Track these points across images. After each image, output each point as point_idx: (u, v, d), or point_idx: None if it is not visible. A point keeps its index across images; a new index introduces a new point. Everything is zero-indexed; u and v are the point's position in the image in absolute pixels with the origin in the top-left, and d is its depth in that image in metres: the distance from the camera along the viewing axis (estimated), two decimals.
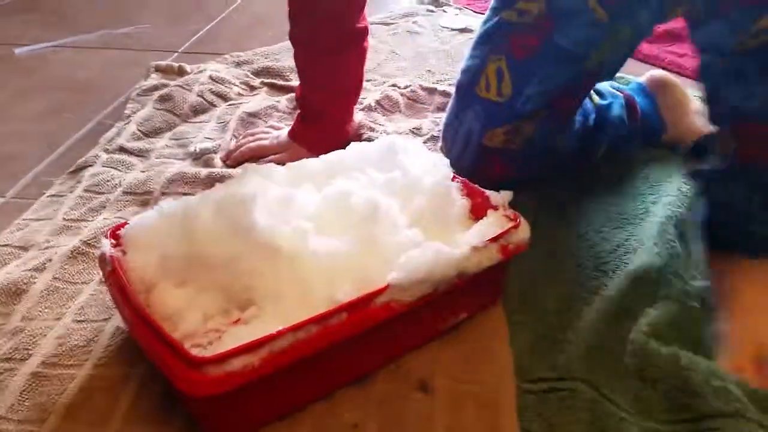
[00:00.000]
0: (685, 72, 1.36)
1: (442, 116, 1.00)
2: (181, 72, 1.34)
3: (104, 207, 0.93)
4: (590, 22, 0.83)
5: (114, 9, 1.82)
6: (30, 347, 0.70)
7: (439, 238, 0.68)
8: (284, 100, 1.23)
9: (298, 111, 1.06)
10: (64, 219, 0.91)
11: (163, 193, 0.95)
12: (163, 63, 1.37)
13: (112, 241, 0.69)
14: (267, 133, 1.09)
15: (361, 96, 1.13)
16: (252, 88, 1.31)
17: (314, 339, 0.58)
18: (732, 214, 0.80)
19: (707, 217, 0.83)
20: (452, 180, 0.79)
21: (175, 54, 1.51)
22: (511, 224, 0.71)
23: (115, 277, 0.64)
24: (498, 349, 0.71)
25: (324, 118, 1.03)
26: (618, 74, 1.18)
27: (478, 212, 0.76)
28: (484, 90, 0.90)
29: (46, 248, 0.85)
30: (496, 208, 0.74)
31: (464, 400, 0.65)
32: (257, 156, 1.04)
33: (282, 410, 0.63)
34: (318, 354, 0.59)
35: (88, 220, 0.90)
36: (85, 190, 0.97)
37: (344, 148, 0.84)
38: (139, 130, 1.13)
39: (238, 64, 1.40)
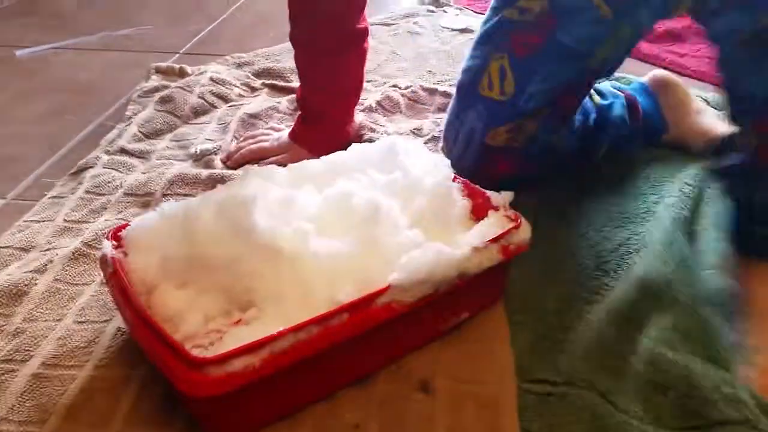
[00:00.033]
0: (686, 72, 1.36)
1: (443, 117, 1.00)
2: (182, 73, 1.34)
3: (105, 208, 0.93)
4: (594, 19, 0.83)
5: (114, 10, 1.82)
6: (31, 348, 0.70)
7: (440, 239, 0.68)
8: (285, 102, 1.23)
9: (299, 112, 1.06)
10: (65, 220, 0.91)
11: (164, 195, 0.95)
12: (163, 64, 1.37)
13: (114, 242, 0.69)
14: (267, 134, 1.09)
15: (361, 97, 1.13)
16: (253, 89, 1.31)
17: (315, 340, 0.58)
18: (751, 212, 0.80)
19: (733, 217, 0.82)
20: (453, 181, 0.79)
21: (176, 55, 1.51)
22: (511, 225, 0.71)
23: (116, 278, 0.64)
24: (499, 349, 0.71)
25: (324, 119, 1.03)
26: (620, 74, 1.19)
27: (479, 213, 0.77)
28: (486, 89, 0.90)
29: (47, 250, 0.85)
30: (496, 208, 0.74)
31: (465, 401, 0.65)
32: (258, 158, 1.04)
33: (283, 411, 0.63)
34: (319, 355, 0.59)
35: (89, 222, 0.90)
36: (86, 192, 0.97)
37: (345, 149, 0.84)
38: (140, 132, 1.13)
39: (239, 66, 1.40)
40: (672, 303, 0.75)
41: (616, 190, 0.97)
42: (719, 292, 0.77)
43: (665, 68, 1.27)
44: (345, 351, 0.62)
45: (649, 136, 1.05)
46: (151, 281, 0.67)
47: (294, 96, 1.21)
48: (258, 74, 1.36)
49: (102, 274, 0.73)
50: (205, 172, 1.00)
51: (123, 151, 1.07)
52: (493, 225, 0.72)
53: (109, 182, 0.98)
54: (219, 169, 1.02)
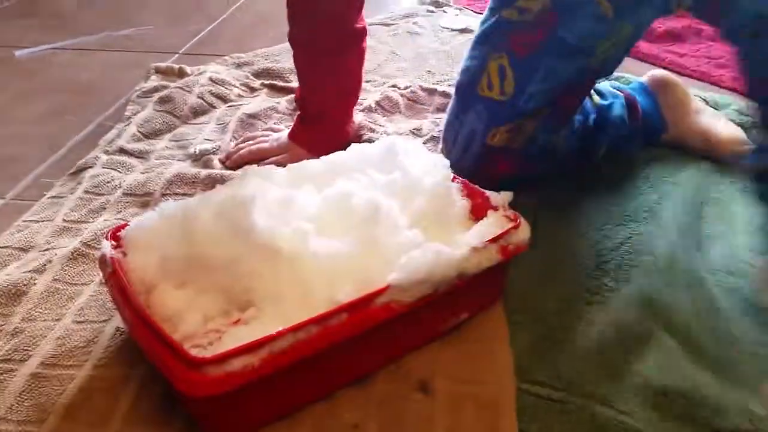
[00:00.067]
0: (685, 72, 1.36)
1: (442, 117, 1.00)
2: (182, 74, 1.34)
3: (104, 208, 0.93)
4: (595, 15, 0.83)
5: (114, 11, 1.82)
6: (30, 348, 0.70)
7: (439, 239, 0.68)
8: (284, 102, 1.23)
9: (298, 112, 1.06)
10: (64, 220, 0.91)
11: (163, 195, 0.95)
12: (163, 65, 1.37)
13: (113, 242, 0.69)
14: (267, 135, 1.09)
15: (361, 97, 1.13)
16: (252, 89, 1.31)
17: (314, 339, 0.58)
18: None
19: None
20: (452, 181, 0.79)
21: (176, 55, 1.51)
22: (511, 225, 0.71)
23: (115, 278, 0.64)
24: (498, 349, 0.71)
25: (323, 119, 1.03)
26: (619, 74, 1.20)
27: (478, 213, 0.77)
28: (486, 89, 0.90)
29: (46, 250, 0.85)
30: (496, 208, 0.75)
31: (464, 401, 0.65)
32: (257, 159, 1.04)
33: (282, 411, 0.63)
34: (318, 354, 0.59)
35: (89, 222, 0.90)
36: (86, 192, 0.97)
37: (344, 149, 0.84)
38: (140, 132, 1.13)
39: (239, 66, 1.40)
40: (679, 316, 0.75)
41: (616, 190, 0.97)
42: (742, 301, 0.77)
43: (665, 68, 1.27)
44: (344, 351, 0.62)
45: (648, 135, 1.05)
46: (150, 281, 0.67)
47: (293, 96, 1.21)
48: (257, 74, 1.36)
49: (101, 274, 0.73)
50: (203, 172, 1.00)
51: (122, 151, 1.07)
52: (492, 225, 0.72)
53: (108, 182, 0.98)
54: (218, 169, 1.02)
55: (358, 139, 1.08)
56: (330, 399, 0.65)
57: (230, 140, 1.11)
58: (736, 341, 0.72)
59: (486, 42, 0.91)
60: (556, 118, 0.92)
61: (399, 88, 1.27)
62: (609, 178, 1.00)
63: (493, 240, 0.68)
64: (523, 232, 0.71)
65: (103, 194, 0.96)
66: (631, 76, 1.20)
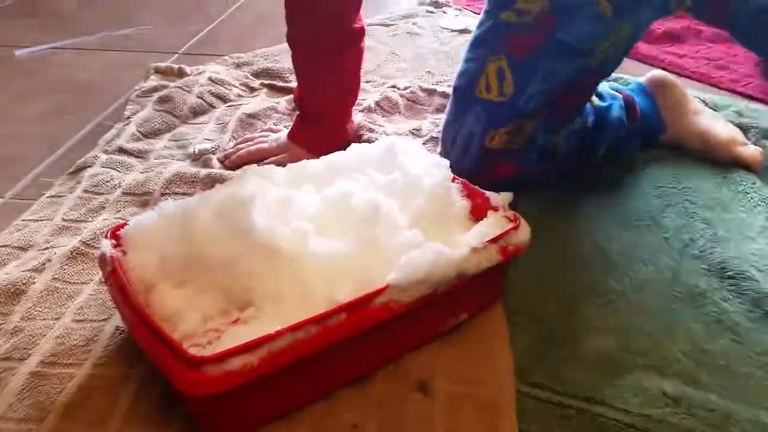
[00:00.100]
0: (685, 73, 1.37)
1: (442, 117, 1.00)
2: (181, 73, 1.34)
3: (104, 208, 0.93)
4: (594, 16, 0.83)
5: (113, 10, 1.82)
6: (29, 347, 0.70)
7: (439, 239, 0.68)
8: (284, 102, 1.23)
9: (297, 112, 1.06)
10: (63, 219, 0.91)
11: (163, 194, 0.95)
12: (162, 64, 1.37)
13: (113, 241, 0.69)
14: (266, 136, 1.09)
15: (360, 97, 1.13)
16: (252, 89, 1.31)
17: (313, 339, 0.58)
18: None
19: None
20: (452, 181, 0.79)
21: (175, 55, 1.51)
22: (510, 225, 0.71)
23: (115, 277, 0.64)
24: (498, 350, 0.71)
25: (322, 119, 1.03)
26: (617, 74, 1.20)
27: (478, 213, 0.77)
28: (484, 91, 0.90)
29: (46, 249, 0.85)
30: (496, 209, 0.74)
31: (463, 402, 0.65)
32: (256, 159, 1.04)
33: (281, 410, 0.63)
34: (317, 354, 0.59)
35: (88, 221, 0.90)
36: (85, 191, 0.97)
37: (344, 148, 0.84)
38: (139, 131, 1.13)
39: (238, 66, 1.40)
40: (685, 324, 0.74)
41: (617, 192, 0.97)
42: (751, 308, 0.77)
43: (664, 69, 1.27)
44: (343, 351, 0.62)
45: (647, 136, 1.05)
46: (149, 280, 0.67)
47: (292, 96, 1.21)
48: (257, 74, 1.36)
49: (100, 273, 0.73)
50: (203, 172, 1.00)
51: (121, 150, 1.07)
52: (492, 225, 0.72)
53: (107, 181, 0.98)
54: (217, 169, 1.02)
55: (358, 139, 1.08)
56: (329, 399, 0.65)
57: (229, 140, 1.11)
58: (744, 348, 0.72)
59: (483, 44, 0.91)
60: (556, 118, 0.92)
61: (398, 89, 1.27)
62: (609, 178, 1.00)
63: (493, 240, 0.68)
64: (523, 233, 0.71)
65: (102, 193, 0.96)
66: (630, 77, 1.20)
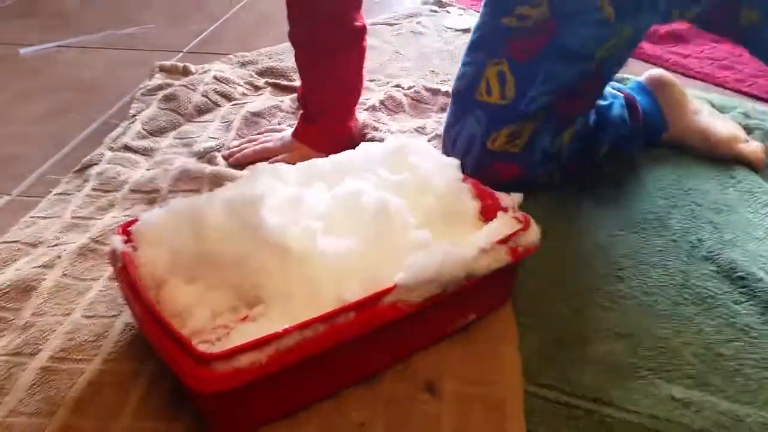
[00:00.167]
0: (689, 73, 1.37)
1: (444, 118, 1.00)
2: (186, 72, 1.34)
3: (112, 205, 0.93)
4: (597, 20, 0.84)
5: (115, 10, 1.82)
6: (40, 342, 0.70)
7: (448, 239, 0.68)
8: (288, 100, 1.24)
9: (301, 111, 1.07)
10: (72, 217, 0.91)
11: (171, 191, 0.96)
12: (167, 63, 1.38)
13: (123, 237, 0.69)
14: (270, 136, 1.09)
15: (365, 96, 1.13)
16: (256, 88, 1.31)
17: (321, 337, 0.58)
18: None
19: None
20: (462, 181, 0.79)
21: (180, 54, 1.51)
22: (520, 226, 0.71)
23: (125, 273, 0.65)
24: (506, 351, 0.71)
25: (325, 118, 1.03)
26: (620, 74, 1.19)
27: (487, 214, 0.77)
28: (484, 94, 0.90)
29: (55, 245, 0.85)
30: (505, 210, 0.74)
31: (471, 402, 0.65)
32: (261, 158, 1.04)
33: (289, 408, 0.63)
34: (325, 353, 0.59)
35: (97, 218, 0.91)
36: (93, 189, 0.97)
37: (348, 147, 0.84)
38: (144, 129, 1.13)
39: (243, 65, 1.40)
40: (695, 327, 0.74)
41: (622, 192, 0.97)
42: (762, 310, 0.76)
43: (668, 69, 1.27)
44: (351, 350, 0.62)
45: (649, 135, 1.05)
46: (160, 276, 0.67)
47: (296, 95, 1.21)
48: (261, 73, 1.36)
49: (111, 269, 0.73)
50: (209, 169, 1.00)
51: (127, 148, 1.08)
52: (501, 226, 0.71)
53: (114, 178, 0.99)
54: (222, 167, 1.02)
55: (363, 137, 1.08)
56: (337, 397, 0.65)
57: (234, 138, 1.11)
58: (757, 351, 0.72)
59: (482, 48, 0.92)
60: (559, 120, 0.92)
61: (403, 88, 1.27)
62: (611, 178, 1.00)
63: (503, 241, 0.68)
64: (533, 234, 0.71)
65: (110, 191, 0.96)
66: (629, 76, 1.20)
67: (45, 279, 0.78)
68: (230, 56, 1.43)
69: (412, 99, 1.24)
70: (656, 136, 1.06)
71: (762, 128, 1.10)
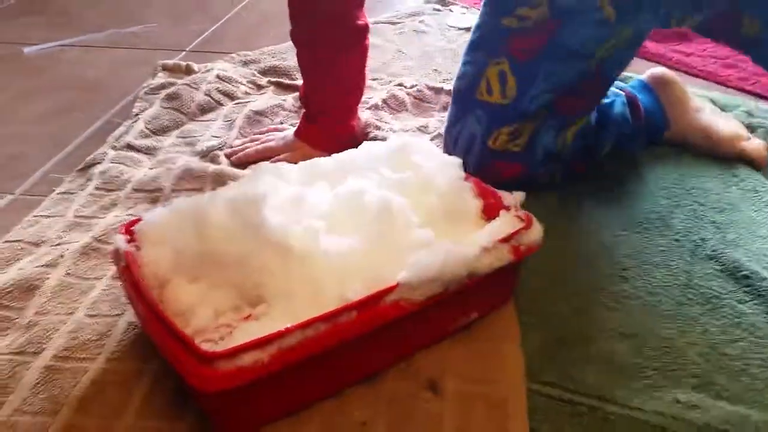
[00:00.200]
0: (692, 71, 1.36)
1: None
2: (189, 71, 1.35)
3: (115, 204, 0.94)
4: (597, 21, 0.84)
5: (118, 9, 1.82)
6: (43, 341, 0.70)
7: (450, 238, 0.69)
8: (291, 99, 1.24)
9: (303, 110, 1.07)
10: (75, 216, 0.91)
11: (173, 190, 0.96)
12: (170, 62, 1.38)
13: (126, 236, 0.69)
14: (272, 135, 1.09)
15: (367, 95, 1.13)
16: (259, 87, 1.31)
17: (323, 336, 0.59)
18: None
19: None
20: (465, 180, 0.79)
21: (183, 53, 1.51)
22: (522, 225, 0.71)
23: (128, 272, 0.65)
24: (509, 349, 0.71)
25: (327, 117, 1.03)
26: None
27: (490, 212, 0.77)
28: (485, 93, 0.90)
29: (58, 244, 0.85)
30: (508, 208, 0.74)
31: (474, 401, 0.65)
32: (264, 158, 1.04)
33: (292, 407, 0.64)
34: (327, 352, 0.59)
35: (100, 217, 0.91)
36: (96, 188, 0.97)
37: (350, 146, 0.84)
38: (147, 128, 1.13)
39: (245, 63, 1.40)
40: (699, 327, 0.74)
41: (625, 192, 0.97)
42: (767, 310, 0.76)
43: (671, 68, 1.27)
44: (353, 349, 0.62)
45: (651, 134, 1.05)
46: (163, 275, 0.67)
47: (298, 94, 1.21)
48: (264, 72, 1.37)
49: (114, 268, 0.73)
50: (211, 168, 1.00)
51: (130, 147, 1.08)
52: (503, 225, 0.71)
53: (117, 177, 0.99)
54: (225, 165, 1.02)
55: (365, 136, 1.08)
56: (339, 396, 0.65)
57: (236, 137, 1.11)
58: (762, 350, 0.72)
59: (482, 47, 0.92)
60: (560, 119, 0.92)
61: (405, 87, 1.27)
62: (613, 176, 1.00)
63: (505, 240, 0.68)
64: (535, 233, 0.71)
65: (113, 190, 0.97)
66: (632, 74, 1.20)
67: (48, 278, 0.78)
68: (233, 55, 1.44)
69: (415, 98, 1.24)
70: (658, 135, 1.06)
71: (765, 126, 1.10)
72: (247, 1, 1.87)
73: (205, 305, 0.66)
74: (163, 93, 1.24)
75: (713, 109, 1.11)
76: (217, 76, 1.29)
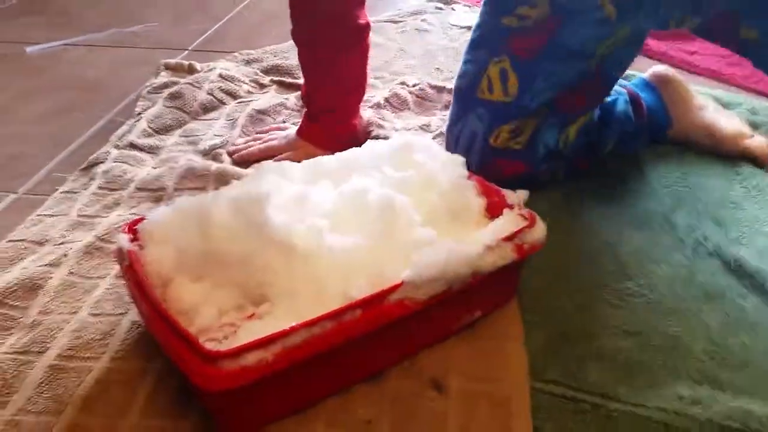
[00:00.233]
0: (695, 69, 1.36)
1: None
2: (191, 70, 1.35)
3: (118, 203, 0.94)
4: (598, 19, 0.84)
5: (119, 9, 1.82)
6: (47, 340, 0.70)
7: (453, 236, 0.69)
8: (293, 98, 1.24)
9: (305, 109, 1.07)
10: (78, 215, 0.91)
11: (176, 189, 0.96)
12: (172, 61, 1.38)
13: (130, 235, 0.69)
14: (275, 133, 1.09)
15: (369, 94, 1.13)
16: (261, 85, 1.31)
17: (328, 335, 0.59)
18: None
19: None
20: (468, 178, 0.79)
21: (185, 52, 1.51)
22: (525, 223, 0.71)
23: (132, 271, 0.65)
24: (512, 347, 0.71)
25: (329, 116, 1.03)
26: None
27: (493, 211, 0.77)
28: (486, 92, 0.90)
29: (62, 243, 0.85)
30: (511, 207, 0.74)
31: (478, 399, 0.65)
32: (266, 156, 1.04)
33: (296, 405, 0.64)
34: (332, 350, 0.59)
35: (103, 216, 0.91)
36: (99, 187, 0.97)
37: (353, 145, 0.84)
38: (150, 128, 1.13)
39: (248, 62, 1.40)
40: (703, 324, 0.74)
41: (628, 190, 0.97)
42: None
43: (675, 66, 1.27)
44: (358, 347, 0.62)
45: (654, 132, 1.05)
46: (166, 274, 0.67)
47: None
48: (266, 71, 1.36)
49: (117, 267, 0.73)
50: (214, 167, 1.00)
51: (133, 146, 1.08)
52: (507, 223, 0.71)
53: (120, 176, 0.99)
54: (227, 164, 1.02)
55: (367, 135, 1.08)
56: (343, 394, 0.65)
57: (239, 135, 1.11)
58: (765, 343, 0.72)
59: (483, 46, 0.92)
60: (562, 116, 0.92)
61: (407, 86, 1.27)
62: (616, 174, 1.00)
63: (508, 238, 0.68)
64: (538, 231, 0.71)
65: (116, 189, 0.97)
66: (634, 73, 1.20)
67: (51, 277, 0.78)
68: (235, 54, 1.43)
69: (417, 96, 1.24)
70: (661, 133, 1.06)
71: None
72: (249, 1, 1.86)
73: (209, 304, 0.66)
74: (166, 92, 1.24)
75: (716, 107, 1.11)
76: (220, 75, 1.29)
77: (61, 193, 0.97)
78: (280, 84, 1.32)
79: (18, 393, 0.64)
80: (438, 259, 0.64)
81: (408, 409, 0.64)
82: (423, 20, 1.65)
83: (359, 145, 0.84)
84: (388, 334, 0.64)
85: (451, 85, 1.25)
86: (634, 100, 1.02)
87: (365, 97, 1.11)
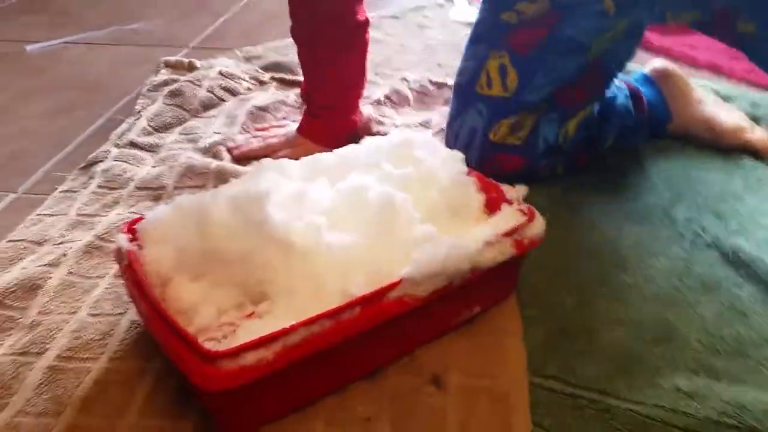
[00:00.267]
0: (697, 63, 1.36)
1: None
2: (191, 67, 1.34)
3: (118, 202, 0.94)
4: (597, 12, 0.84)
5: (119, 8, 1.82)
6: (46, 341, 0.70)
7: (453, 233, 0.68)
8: (293, 95, 1.24)
9: (305, 106, 1.06)
10: (78, 214, 0.91)
11: (176, 187, 0.96)
12: (172, 58, 1.38)
13: (129, 235, 0.69)
14: (275, 131, 1.09)
15: (370, 90, 1.13)
16: (261, 83, 1.31)
17: (327, 333, 0.58)
18: None
19: None
20: (467, 174, 0.79)
21: (185, 50, 1.51)
22: (525, 219, 0.71)
23: (131, 271, 0.65)
24: (511, 343, 0.71)
25: (329, 113, 1.04)
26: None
27: (492, 207, 0.76)
28: (485, 87, 0.90)
29: (61, 243, 0.85)
30: (510, 202, 0.74)
31: (477, 395, 0.65)
32: (266, 154, 1.04)
33: (295, 404, 0.64)
34: (331, 348, 0.59)
35: (102, 216, 0.91)
36: (99, 186, 0.97)
37: (352, 141, 0.84)
38: (150, 126, 1.13)
39: (248, 60, 1.41)
40: (700, 317, 0.74)
41: (627, 184, 0.97)
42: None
43: (676, 60, 1.27)
44: (357, 345, 0.62)
45: (654, 126, 1.05)
46: (165, 274, 0.67)
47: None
48: (266, 68, 1.36)
49: (116, 267, 0.73)
50: (214, 164, 1.00)
51: (132, 144, 1.08)
52: (506, 219, 0.71)
53: (119, 175, 0.99)
54: (227, 161, 1.02)
55: (368, 131, 1.08)
56: (343, 392, 0.65)
57: (239, 132, 1.11)
58: (759, 333, 0.72)
59: (482, 41, 0.92)
60: (561, 111, 0.92)
61: (408, 81, 1.27)
62: (616, 168, 1.00)
63: (508, 234, 0.68)
64: (538, 226, 0.71)
65: (116, 188, 0.97)
66: (635, 67, 1.20)
67: (51, 277, 0.78)
68: (236, 51, 1.43)
69: (418, 93, 1.24)
70: (661, 127, 1.06)
71: None
72: (248, 0, 1.86)
73: (208, 303, 0.66)
74: (166, 90, 1.24)
75: (716, 101, 1.10)
76: (220, 73, 1.29)
77: (61, 192, 0.97)
78: (280, 81, 1.32)
79: (17, 395, 0.64)
80: (437, 255, 0.64)
81: (407, 406, 0.64)
82: (424, 16, 1.66)
83: (359, 141, 0.84)
84: (388, 332, 0.64)
85: (451, 81, 1.25)
86: (634, 94, 1.02)
87: (366, 94, 1.10)
